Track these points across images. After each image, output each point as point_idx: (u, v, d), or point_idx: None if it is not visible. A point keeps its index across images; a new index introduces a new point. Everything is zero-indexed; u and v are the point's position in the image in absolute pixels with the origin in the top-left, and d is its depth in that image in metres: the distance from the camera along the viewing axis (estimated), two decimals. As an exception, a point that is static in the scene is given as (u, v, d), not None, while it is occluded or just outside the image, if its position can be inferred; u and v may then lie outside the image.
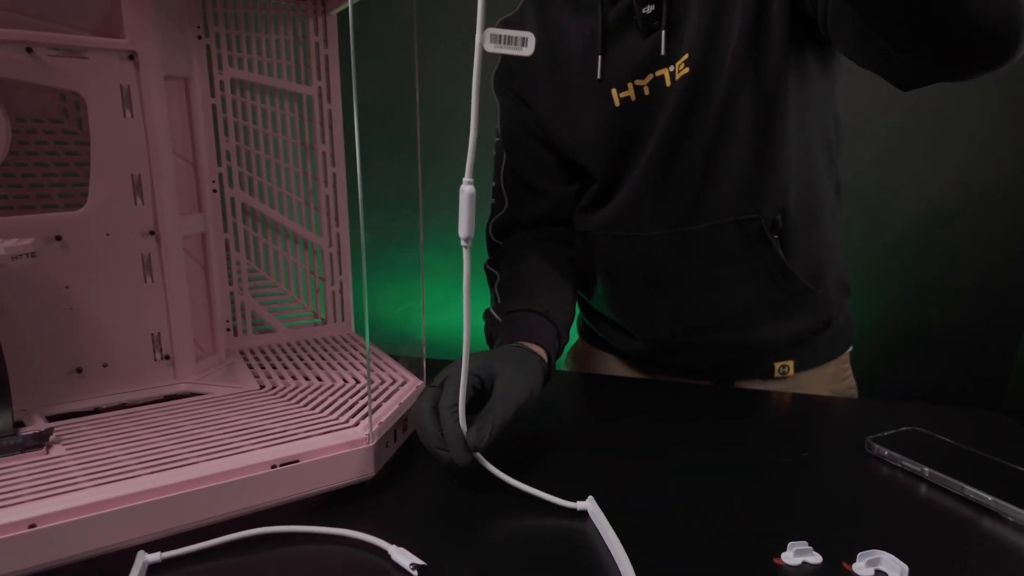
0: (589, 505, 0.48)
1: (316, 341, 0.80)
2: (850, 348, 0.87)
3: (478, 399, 0.56)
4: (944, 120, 1.62)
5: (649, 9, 0.69)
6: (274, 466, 0.48)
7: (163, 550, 0.44)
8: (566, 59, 0.77)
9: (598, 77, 0.73)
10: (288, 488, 0.49)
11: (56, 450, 0.49)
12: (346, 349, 0.76)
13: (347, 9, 0.74)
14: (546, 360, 0.67)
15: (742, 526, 0.48)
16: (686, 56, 0.68)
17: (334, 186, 0.79)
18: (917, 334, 1.71)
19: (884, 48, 0.55)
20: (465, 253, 0.47)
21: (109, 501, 0.42)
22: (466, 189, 0.45)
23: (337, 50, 0.76)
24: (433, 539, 0.47)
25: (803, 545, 0.44)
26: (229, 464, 0.47)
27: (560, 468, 0.57)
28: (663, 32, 0.69)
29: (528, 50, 0.43)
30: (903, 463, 0.57)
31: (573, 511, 0.49)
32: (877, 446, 0.59)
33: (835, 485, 0.54)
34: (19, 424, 0.54)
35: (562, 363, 1.02)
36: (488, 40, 0.42)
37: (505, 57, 0.82)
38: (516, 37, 0.43)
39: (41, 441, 0.50)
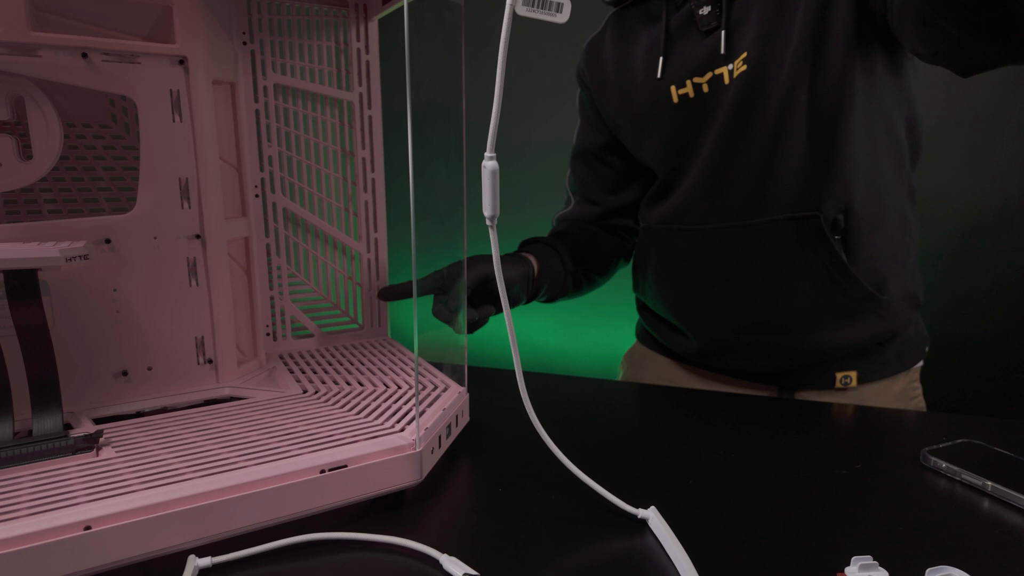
0: (651, 515, 0.47)
1: (354, 346, 0.79)
2: (920, 364, 0.84)
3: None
4: (982, 127, 1.58)
5: (706, 10, 0.71)
6: (323, 471, 0.47)
7: (213, 554, 0.43)
8: (633, 62, 0.81)
9: (658, 76, 0.76)
10: (336, 493, 0.48)
11: (106, 452, 0.50)
12: (384, 354, 0.76)
13: (388, 16, 0.75)
14: (534, 265, 0.83)
15: (802, 539, 0.47)
16: (745, 54, 0.69)
17: (373, 192, 0.79)
18: (957, 345, 1.67)
19: (953, 35, 0.54)
20: (492, 234, 0.45)
21: (162, 504, 0.42)
22: (488, 165, 0.43)
23: (378, 56, 0.77)
24: (483, 548, 0.46)
25: (868, 560, 0.43)
26: (279, 468, 0.46)
27: (615, 478, 0.56)
28: (723, 32, 0.70)
29: (563, 17, 0.41)
30: (962, 476, 0.55)
31: (631, 520, 0.48)
32: (934, 459, 0.57)
33: (893, 498, 0.53)
34: (67, 426, 0.54)
35: (617, 367, 1.02)
36: (520, 2, 0.39)
37: (584, 54, 0.90)
38: (551, 1, 0.40)
39: (91, 443, 0.50)
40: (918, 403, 0.84)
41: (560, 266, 0.87)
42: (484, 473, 0.55)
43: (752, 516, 0.50)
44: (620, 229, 0.98)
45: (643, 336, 0.98)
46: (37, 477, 0.45)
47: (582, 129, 0.96)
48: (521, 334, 2.21)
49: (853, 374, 0.79)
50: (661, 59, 0.76)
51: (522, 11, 0.40)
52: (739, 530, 0.48)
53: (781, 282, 0.76)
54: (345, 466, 0.48)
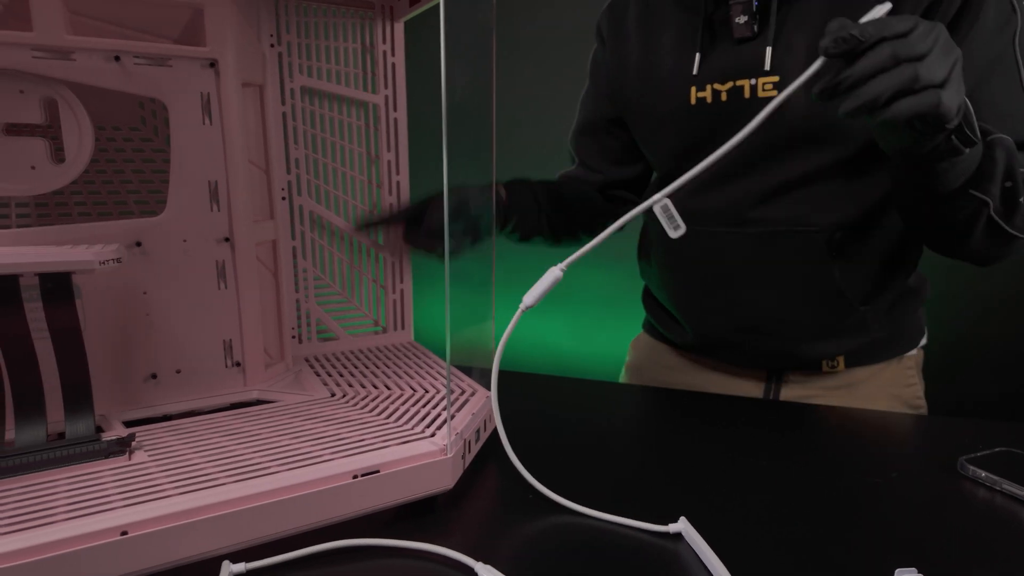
0: (683, 526, 0.46)
1: (378, 349, 0.79)
2: (913, 352, 0.84)
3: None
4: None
5: (742, 19, 0.69)
6: (355, 476, 0.47)
7: (247, 560, 0.43)
8: (660, 46, 0.79)
9: (694, 73, 0.74)
10: (368, 499, 0.48)
11: (138, 456, 0.49)
12: (409, 357, 0.75)
13: (414, 19, 0.74)
14: (503, 194, 0.80)
15: (842, 550, 0.46)
16: (776, 78, 0.68)
17: (398, 194, 0.79)
18: (981, 349, 1.65)
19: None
20: (517, 315, 0.51)
21: (197, 510, 0.42)
22: (556, 272, 0.51)
23: (403, 59, 0.76)
24: (516, 557, 0.45)
25: (912, 572, 0.42)
26: (312, 474, 0.46)
27: (636, 489, 0.55)
28: (769, 48, 0.69)
29: (675, 234, 0.50)
30: (1003, 486, 0.54)
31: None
32: (972, 468, 0.56)
33: (931, 508, 0.52)
34: (98, 429, 0.54)
35: (624, 353, 1.03)
36: (660, 207, 0.49)
37: (606, 14, 0.88)
38: (677, 220, 0.50)
39: (124, 447, 0.50)
40: (914, 391, 0.85)
41: (533, 204, 0.85)
42: (513, 479, 0.54)
43: (788, 526, 0.49)
44: (619, 200, 0.97)
45: (647, 325, 1.01)
46: (72, 481, 0.45)
47: (591, 95, 0.92)
48: (535, 335, 2.21)
49: (840, 358, 0.80)
50: (698, 56, 0.74)
51: (657, 210, 0.50)
52: (775, 540, 0.47)
53: (779, 291, 0.77)
54: (378, 471, 0.48)
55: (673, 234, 0.50)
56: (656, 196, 0.49)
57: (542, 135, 1.97)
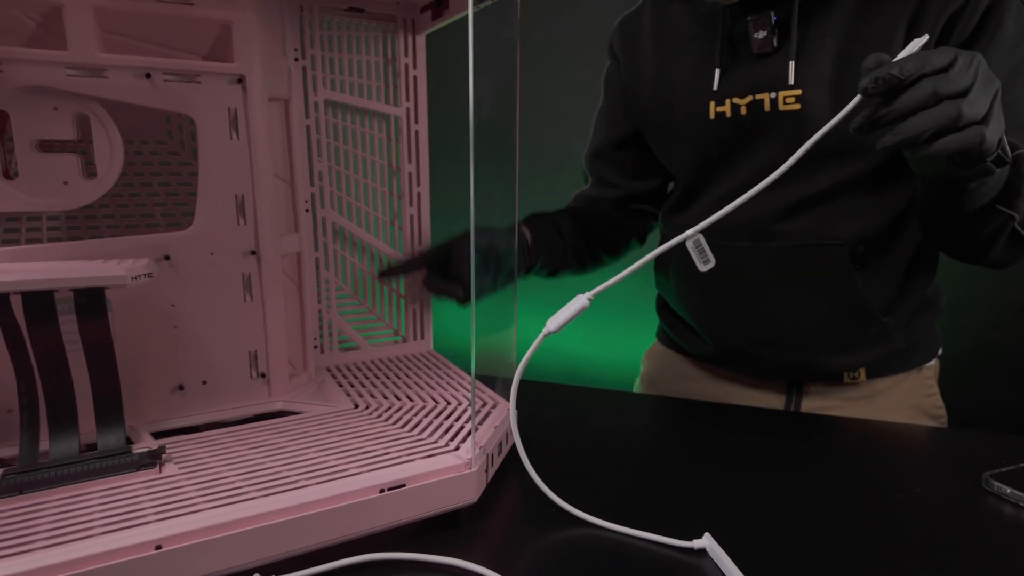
0: (707, 542, 0.47)
1: (398, 359, 0.80)
2: (932, 362, 0.84)
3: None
4: None
5: (761, 35, 0.69)
6: (382, 490, 0.48)
7: (276, 573, 0.44)
8: (677, 61, 0.78)
9: (714, 88, 0.74)
10: (394, 513, 0.48)
11: (169, 469, 0.50)
12: (429, 368, 0.76)
13: (436, 32, 0.75)
14: (528, 237, 0.81)
15: (867, 567, 0.46)
16: (799, 92, 0.68)
17: (419, 206, 0.80)
18: (998, 357, 1.63)
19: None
20: (540, 338, 0.52)
21: (229, 524, 0.42)
22: (583, 300, 0.51)
23: (425, 71, 0.77)
24: (542, 571, 0.46)
25: (940, 592, 0.42)
26: (340, 488, 0.47)
27: (657, 502, 0.56)
28: (792, 63, 0.69)
29: (704, 268, 0.52)
30: (1029, 503, 0.54)
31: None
32: (997, 484, 0.56)
33: (957, 524, 0.52)
34: (128, 441, 0.55)
35: (638, 364, 1.03)
36: (692, 241, 0.51)
37: (618, 30, 0.88)
38: (708, 255, 0.52)
39: (154, 459, 0.50)
40: (935, 401, 0.85)
41: (559, 240, 0.85)
42: (535, 491, 0.54)
43: (812, 542, 0.49)
44: (638, 213, 0.96)
45: (661, 335, 1.00)
46: (107, 494, 0.46)
47: (605, 114, 0.92)
48: (552, 341, 2.21)
49: (861, 369, 0.80)
50: (718, 72, 0.73)
51: (689, 245, 0.51)
52: (799, 556, 0.47)
53: (801, 303, 0.77)
54: (404, 485, 0.48)
55: (703, 268, 0.50)
56: (689, 232, 0.51)
57: (553, 138, 1.98)
